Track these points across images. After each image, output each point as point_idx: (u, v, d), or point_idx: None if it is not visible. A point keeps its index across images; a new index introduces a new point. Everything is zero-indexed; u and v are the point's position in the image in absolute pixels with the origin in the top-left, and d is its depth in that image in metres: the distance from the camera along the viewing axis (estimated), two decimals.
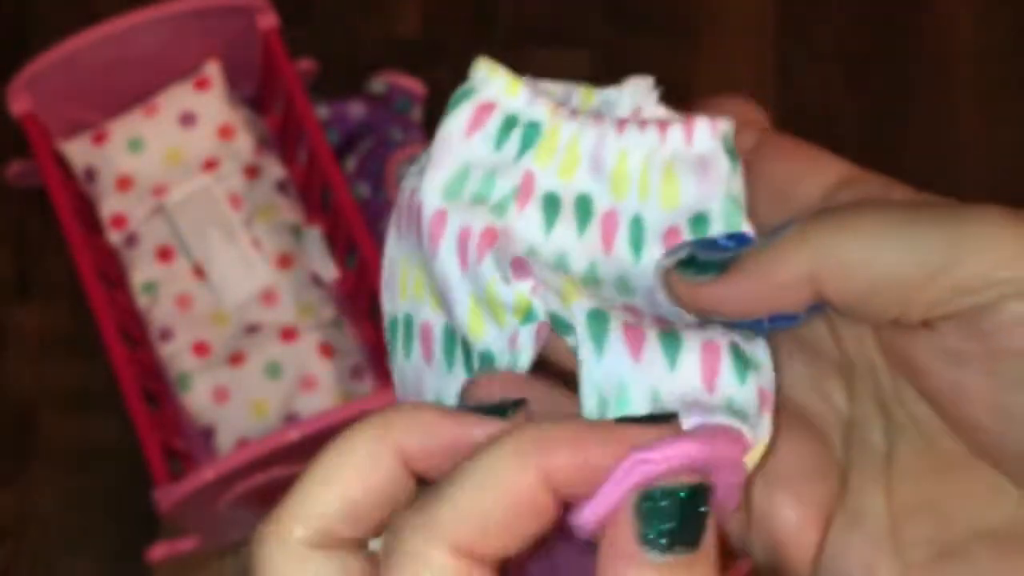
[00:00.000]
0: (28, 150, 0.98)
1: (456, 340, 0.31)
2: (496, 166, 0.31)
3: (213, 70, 1.02)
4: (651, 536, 0.24)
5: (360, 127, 1.08)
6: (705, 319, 0.30)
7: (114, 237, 1.00)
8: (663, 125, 0.31)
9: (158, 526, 0.97)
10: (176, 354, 0.97)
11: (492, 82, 0.31)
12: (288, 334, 0.97)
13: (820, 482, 0.30)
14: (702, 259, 0.29)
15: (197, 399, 0.96)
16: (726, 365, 0.28)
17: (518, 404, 0.26)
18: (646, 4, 1.19)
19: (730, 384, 0.28)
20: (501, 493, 0.24)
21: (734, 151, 0.31)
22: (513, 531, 0.24)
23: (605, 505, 0.24)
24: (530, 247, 0.30)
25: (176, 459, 0.94)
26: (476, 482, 0.24)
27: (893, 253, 0.27)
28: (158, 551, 0.96)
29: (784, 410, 0.31)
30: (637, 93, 0.32)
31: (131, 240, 1.00)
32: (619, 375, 0.28)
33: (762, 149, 0.32)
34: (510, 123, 0.31)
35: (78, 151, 1.00)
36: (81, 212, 0.98)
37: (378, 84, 1.10)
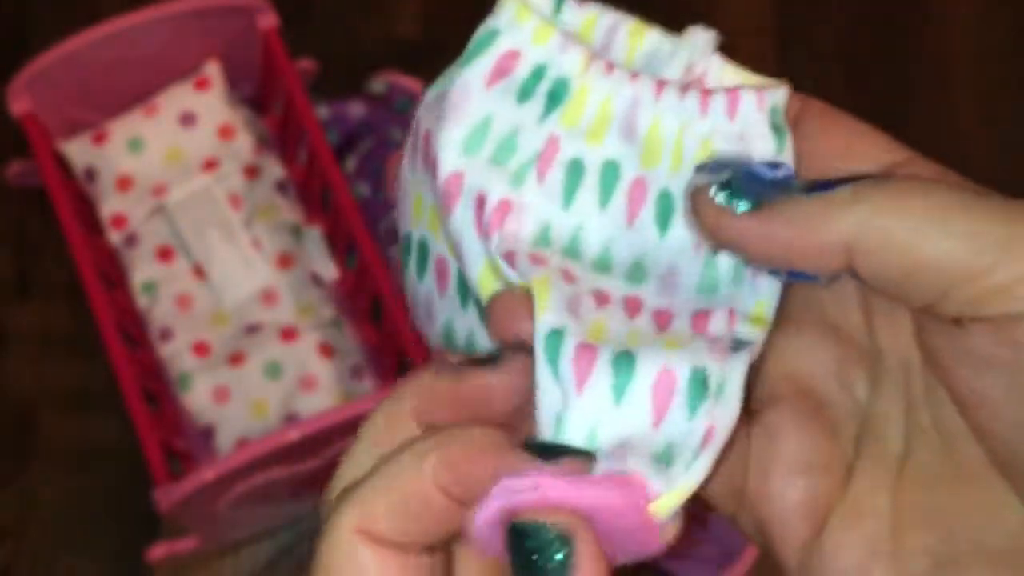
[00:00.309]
0: (28, 150, 0.98)
1: (468, 279, 0.29)
2: (518, 125, 0.28)
3: (213, 70, 1.02)
4: (519, 568, 0.25)
5: (360, 127, 1.08)
6: (722, 250, 0.28)
7: (114, 237, 1.00)
8: (706, 93, 0.28)
9: (158, 526, 0.97)
10: (176, 354, 0.97)
11: (520, 26, 0.28)
12: (288, 334, 0.97)
13: (819, 474, 0.29)
14: (738, 186, 0.27)
15: (197, 399, 0.96)
16: (679, 397, 0.26)
17: (506, 352, 0.27)
18: (645, 4, 1.18)
19: (678, 419, 0.26)
20: (397, 489, 0.25)
21: (782, 127, 0.29)
22: (412, 524, 0.26)
23: (477, 526, 0.25)
24: (544, 224, 0.28)
25: (176, 459, 0.94)
26: (383, 475, 0.26)
27: (941, 241, 0.26)
28: (158, 551, 0.96)
29: (798, 396, 0.29)
30: (695, 50, 0.29)
31: (131, 240, 1.00)
32: (560, 406, 0.26)
33: (806, 122, 0.30)
34: (537, 74, 0.28)
35: (78, 151, 1.00)
36: (81, 212, 0.98)
37: (378, 84, 1.10)
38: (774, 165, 0.28)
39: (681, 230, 0.29)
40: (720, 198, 0.27)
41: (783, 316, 0.29)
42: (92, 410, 1.03)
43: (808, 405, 0.29)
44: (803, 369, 0.30)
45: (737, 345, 0.28)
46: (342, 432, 0.86)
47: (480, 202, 0.28)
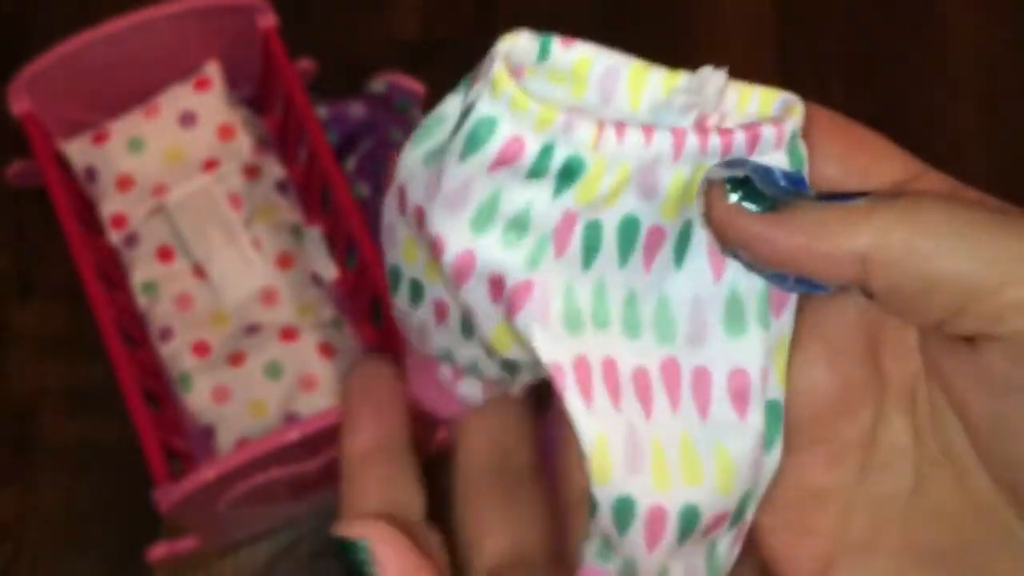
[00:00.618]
0: (28, 150, 0.98)
1: (475, 329, 0.29)
2: (530, 201, 0.27)
3: (213, 70, 1.02)
4: None
5: (360, 127, 1.08)
6: (727, 252, 0.28)
7: (114, 237, 1.00)
8: (726, 135, 0.27)
9: (158, 526, 0.97)
10: (176, 354, 0.97)
11: (520, 114, 0.26)
12: (288, 334, 0.97)
13: (817, 510, 0.28)
14: (756, 187, 0.26)
15: (197, 399, 0.96)
16: (727, 523, 0.28)
17: None
18: (646, 4, 1.18)
19: (722, 532, 0.29)
20: None
21: (800, 156, 0.28)
22: None
23: None
24: (567, 289, 0.27)
25: (176, 459, 0.94)
26: None
27: (960, 256, 0.25)
28: (158, 551, 0.96)
29: (800, 425, 0.29)
30: (708, 100, 0.28)
31: (131, 240, 1.00)
32: (632, 557, 0.28)
33: (814, 134, 0.28)
34: (546, 152, 0.26)
35: (78, 151, 1.00)
36: (81, 212, 0.98)
37: (378, 84, 1.10)
38: (790, 175, 0.27)
39: (697, 259, 0.28)
40: (734, 197, 0.27)
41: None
42: (92, 410, 1.03)
43: (811, 434, 0.29)
44: (807, 396, 0.29)
45: (770, 416, 0.28)
46: None
47: (496, 283, 0.27)
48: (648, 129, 0.26)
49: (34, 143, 0.96)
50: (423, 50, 1.15)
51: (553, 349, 0.27)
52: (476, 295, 0.27)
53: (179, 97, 1.01)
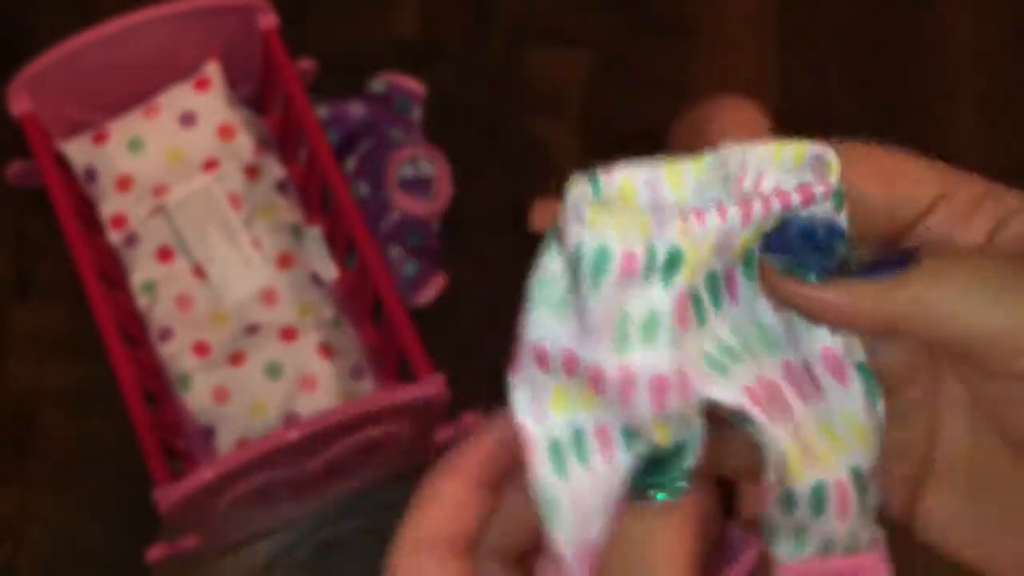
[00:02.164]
0: (28, 150, 0.98)
1: (635, 431, 0.32)
2: (650, 302, 0.30)
3: (213, 70, 1.02)
4: None
5: (360, 127, 1.08)
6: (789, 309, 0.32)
7: (114, 237, 1.00)
8: (783, 197, 0.31)
9: (158, 526, 0.97)
10: (176, 354, 0.97)
11: (622, 232, 0.30)
12: (288, 334, 0.97)
13: (899, 458, 0.33)
14: (799, 258, 0.31)
15: (197, 399, 0.96)
16: (854, 498, 0.32)
17: None
18: (646, 4, 1.18)
19: (855, 512, 0.32)
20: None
21: (842, 199, 0.31)
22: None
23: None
24: (703, 351, 0.31)
25: (176, 459, 0.94)
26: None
27: (985, 310, 0.29)
28: (158, 551, 0.96)
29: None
30: (738, 166, 0.32)
31: (131, 240, 1.00)
32: (831, 533, 0.32)
33: (849, 175, 0.32)
34: (651, 254, 0.30)
35: (78, 151, 1.00)
36: (81, 212, 0.98)
37: (378, 84, 1.10)
38: (829, 225, 0.31)
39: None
40: (785, 266, 0.31)
41: None
42: (92, 410, 1.03)
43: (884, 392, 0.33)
44: (878, 365, 0.33)
45: (864, 375, 0.33)
46: (342, 432, 0.86)
47: (657, 387, 0.30)
48: (722, 209, 0.30)
49: (34, 143, 0.96)
50: (423, 50, 1.15)
51: (730, 396, 0.31)
52: (641, 407, 0.30)
53: (179, 97, 1.02)
